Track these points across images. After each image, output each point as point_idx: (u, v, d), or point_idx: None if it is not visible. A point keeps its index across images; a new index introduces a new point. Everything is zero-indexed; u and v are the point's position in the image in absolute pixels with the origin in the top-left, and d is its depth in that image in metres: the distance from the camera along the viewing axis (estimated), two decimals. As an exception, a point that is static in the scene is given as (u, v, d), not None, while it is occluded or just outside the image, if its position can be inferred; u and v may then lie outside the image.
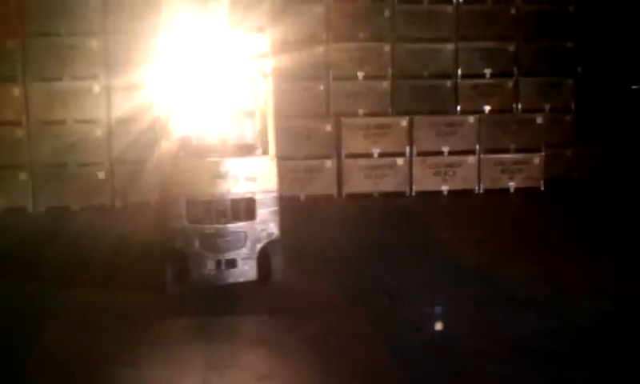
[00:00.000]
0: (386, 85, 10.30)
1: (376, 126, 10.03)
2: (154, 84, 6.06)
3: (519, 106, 10.70)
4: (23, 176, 9.21)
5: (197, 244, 5.18)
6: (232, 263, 5.23)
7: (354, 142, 9.97)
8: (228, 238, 5.22)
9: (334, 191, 9.95)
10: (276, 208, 5.39)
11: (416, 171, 10.05)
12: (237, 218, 5.26)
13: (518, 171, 10.32)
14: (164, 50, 5.44)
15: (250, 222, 5.28)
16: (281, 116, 9.33)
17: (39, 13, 9.18)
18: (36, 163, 9.25)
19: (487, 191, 10.21)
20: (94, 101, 9.33)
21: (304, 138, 9.87)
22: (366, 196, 9.90)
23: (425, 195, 10.02)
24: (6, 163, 9.19)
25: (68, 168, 9.26)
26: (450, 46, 10.42)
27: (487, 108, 10.54)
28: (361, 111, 10.22)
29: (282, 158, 9.31)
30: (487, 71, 10.55)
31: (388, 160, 10.01)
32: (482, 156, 10.22)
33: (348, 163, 9.95)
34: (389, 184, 10.02)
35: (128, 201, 9.17)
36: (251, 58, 5.52)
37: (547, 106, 10.71)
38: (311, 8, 10.01)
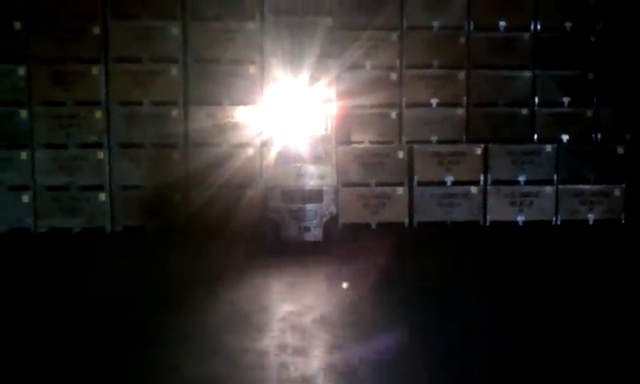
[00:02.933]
0: (460, 112, 10.17)
1: (450, 153, 9.90)
2: (259, 114, 9.47)
3: (598, 136, 10.39)
4: (102, 197, 9.48)
5: (286, 216, 7.84)
6: (308, 229, 7.86)
7: (426, 170, 9.86)
8: (306, 213, 7.86)
9: (405, 219, 9.84)
10: (335, 196, 8.02)
11: (491, 200, 9.85)
12: (311, 200, 7.90)
13: (597, 203, 9.98)
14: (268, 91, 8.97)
15: (319, 204, 7.92)
16: (353, 142, 9.55)
17: (122, 41, 9.53)
18: (115, 184, 9.51)
19: (565, 222, 9.90)
20: (173, 124, 9.58)
21: (376, 164, 9.82)
22: (439, 225, 9.74)
23: (499, 225, 9.78)
24: (88, 184, 9.49)
25: (144, 190, 9.51)
26: (527, 74, 10.22)
27: (565, 137, 10.26)
28: (434, 138, 10.12)
29: (353, 185, 9.58)
30: (565, 99, 10.29)
31: (462, 188, 9.84)
32: (559, 186, 9.94)
33: (420, 191, 9.84)
34: (462, 213, 9.84)
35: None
36: (322, 101, 8.34)
37: (628, 137, 10.37)
38: (386, 35, 10.01)
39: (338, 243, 8.12)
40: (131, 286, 6.72)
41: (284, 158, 8.11)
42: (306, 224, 7.84)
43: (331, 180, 8.03)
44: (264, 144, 9.32)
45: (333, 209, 7.98)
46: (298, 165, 7.98)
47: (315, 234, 7.86)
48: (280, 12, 9.65)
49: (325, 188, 7.95)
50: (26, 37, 9.45)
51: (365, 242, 8.71)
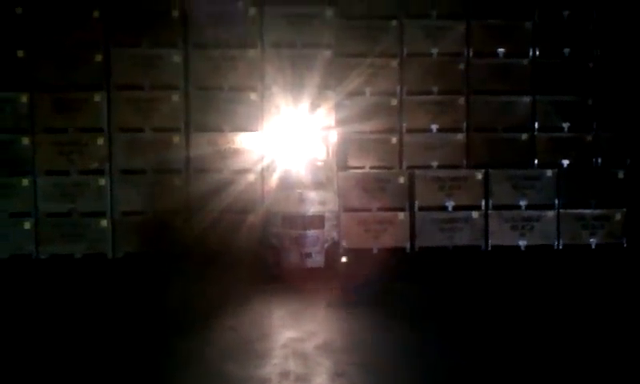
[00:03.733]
0: (460, 137, 10.21)
1: (450, 178, 9.92)
2: (260, 140, 9.49)
3: (599, 161, 10.42)
4: (104, 223, 9.48)
5: (287, 242, 7.85)
6: (309, 255, 7.84)
7: (427, 195, 9.87)
8: (307, 239, 7.85)
9: (406, 244, 9.83)
10: (337, 222, 8.05)
11: (492, 225, 9.84)
12: (312, 226, 7.89)
13: (599, 227, 9.98)
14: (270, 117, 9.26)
15: (321, 230, 7.92)
16: (351, 167, 9.58)
17: (123, 68, 9.61)
18: (116, 210, 9.53)
19: (567, 247, 9.89)
20: (175, 150, 9.62)
21: (377, 189, 9.84)
22: (440, 250, 9.73)
23: (501, 250, 9.77)
24: (88, 210, 9.50)
25: (145, 215, 9.52)
26: (527, 99, 10.28)
27: (566, 162, 10.29)
28: (435, 164, 10.15)
29: (354, 210, 9.58)
30: (565, 124, 10.34)
31: (463, 213, 9.84)
32: (561, 211, 9.94)
33: (421, 216, 9.84)
34: (464, 238, 9.83)
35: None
36: (322, 127, 8.72)
37: (628, 161, 10.40)
38: (386, 62, 10.09)
39: (340, 269, 8.15)
40: (133, 312, 6.71)
41: (285, 184, 8.16)
42: (308, 250, 7.83)
43: (333, 205, 8.06)
44: (265, 170, 9.38)
45: (334, 235, 8.00)
46: (299, 190, 8.01)
47: (317, 260, 7.86)
48: (280, 43, 9.76)
49: (326, 214, 7.96)
50: (29, 65, 9.53)
51: (367, 268, 8.66)
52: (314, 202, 7.95)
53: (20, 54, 9.51)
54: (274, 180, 8.42)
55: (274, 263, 7.94)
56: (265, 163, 9.39)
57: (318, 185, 8.11)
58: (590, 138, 10.39)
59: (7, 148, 9.46)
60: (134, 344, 5.73)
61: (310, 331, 5.98)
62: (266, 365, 5.19)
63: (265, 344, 5.69)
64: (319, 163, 8.35)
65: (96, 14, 9.59)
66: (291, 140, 8.37)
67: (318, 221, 7.91)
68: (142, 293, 7.57)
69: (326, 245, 7.91)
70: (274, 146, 8.61)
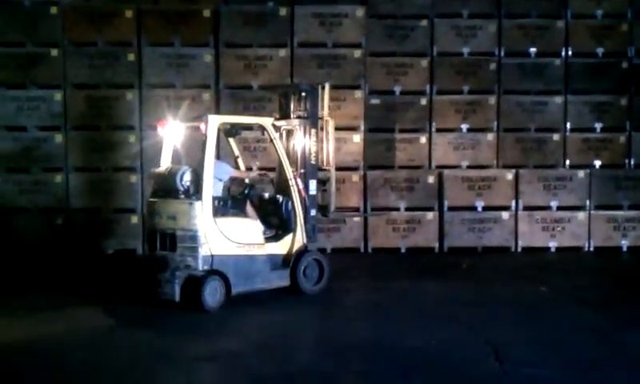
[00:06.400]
0: (491, 137, 10.14)
1: (480, 178, 9.85)
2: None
3: (632, 162, 10.26)
4: (134, 219, 9.60)
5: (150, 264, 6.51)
6: (158, 283, 6.33)
7: (457, 195, 9.82)
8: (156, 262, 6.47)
9: (435, 244, 9.78)
10: (202, 246, 6.22)
11: (522, 226, 9.76)
12: (164, 248, 6.41)
13: (631, 229, 9.84)
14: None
15: (171, 253, 6.34)
16: (383, 167, 9.52)
17: (156, 67, 9.73)
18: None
19: (598, 249, 9.77)
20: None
21: (406, 189, 9.82)
22: (469, 250, 9.66)
23: (531, 251, 9.69)
24: (119, 207, 9.64)
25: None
26: (558, 99, 10.17)
27: (598, 163, 10.16)
28: (464, 163, 10.09)
29: (383, 209, 9.56)
30: (598, 125, 10.21)
31: (493, 214, 9.77)
32: (592, 212, 9.82)
33: (450, 216, 9.79)
34: (493, 238, 9.76)
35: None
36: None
37: (661, 162, 10.27)
38: (417, 61, 10.06)
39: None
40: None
41: (151, 190, 6.89)
42: (157, 277, 6.35)
43: (193, 222, 6.24)
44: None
45: (192, 262, 6.24)
46: (153, 199, 6.67)
47: (166, 291, 6.24)
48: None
49: (178, 232, 6.32)
50: (63, 63, 9.68)
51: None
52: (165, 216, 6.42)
53: (54, 52, 9.66)
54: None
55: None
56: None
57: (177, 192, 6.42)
58: (622, 138, 10.26)
59: (41, 144, 9.63)
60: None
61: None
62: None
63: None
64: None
65: (129, 13, 9.70)
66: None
67: (170, 240, 6.35)
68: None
69: (178, 274, 6.22)
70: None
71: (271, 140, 7.06)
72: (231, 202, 6.84)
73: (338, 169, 8.24)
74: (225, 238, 6.39)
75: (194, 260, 6.24)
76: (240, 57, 9.79)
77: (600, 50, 10.20)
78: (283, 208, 7.04)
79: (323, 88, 7.48)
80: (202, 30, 9.79)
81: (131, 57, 9.69)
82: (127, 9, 9.70)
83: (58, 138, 9.68)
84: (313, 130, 7.25)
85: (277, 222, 7.13)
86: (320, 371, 4.82)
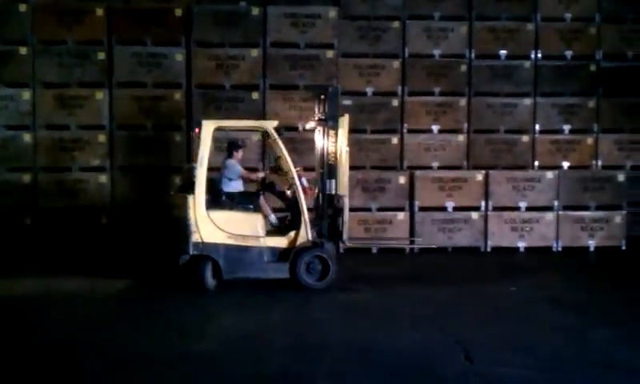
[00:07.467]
0: (461, 138, 10.24)
1: (451, 179, 9.95)
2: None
3: (599, 163, 10.45)
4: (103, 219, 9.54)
5: None
6: None
7: (427, 195, 9.90)
8: None
9: (406, 244, 9.85)
10: None
11: (492, 226, 9.88)
12: None
13: (598, 229, 10.01)
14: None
15: None
16: (355, 167, 9.58)
17: (126, 66, 9.70)
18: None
19: (566, 249, 9.93)
20: (175, 148, 9.73)
21: (377, 189, 9.87)
22: (440, 250, 9.74)
23: (500, 251, 9.81)
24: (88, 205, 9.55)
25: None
26: (528, 101, 10.31)
27: (566, 164, 10.32)
28: (435, 164, 10.18)
29: (355, 209, 9.58)
30: (566, 127, 10.37)
31: (463, 214, 9.88)
32: (560, 213, 9.98)
33: (421, 216, 9.87)
34: (463, 238, 9.87)
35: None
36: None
37: (629, 164, 10.45)
38: (388, 62, 10.12)
39: None
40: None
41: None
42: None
43: (187, 213, 7.10)
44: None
45: (185, 247, 7.12)
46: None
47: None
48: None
49: (181, 221, 7.16)
50: (32, 62, 9.56)
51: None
52: None
53: (23, 50, 9.55)
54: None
55: None
56: None
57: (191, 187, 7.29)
58: (590, 140, 10.43)
59: (9, 144, 9.54)
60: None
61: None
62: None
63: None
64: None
65: (100, 12, 9.62)
66: None
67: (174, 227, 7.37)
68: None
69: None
70: None
71: (273, 141, 7.55)
72: (244, 198, 7.53)
73: (308, 169, 8.24)
74: (216, 228, 7.13)
75: (186, 245, 7.06)
76: (212, 56, 9.79)
77: (569, 53, 10.37)
78: (290, 205, 7.63)
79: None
80: (173, 29, 9.77)
81: (101, 56, 9.63)
82: (98, 7, 9.66)
83: (27, 137, 9.57)
84: (332, 132, 7.53)
85: (286, 218, 7.75)
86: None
